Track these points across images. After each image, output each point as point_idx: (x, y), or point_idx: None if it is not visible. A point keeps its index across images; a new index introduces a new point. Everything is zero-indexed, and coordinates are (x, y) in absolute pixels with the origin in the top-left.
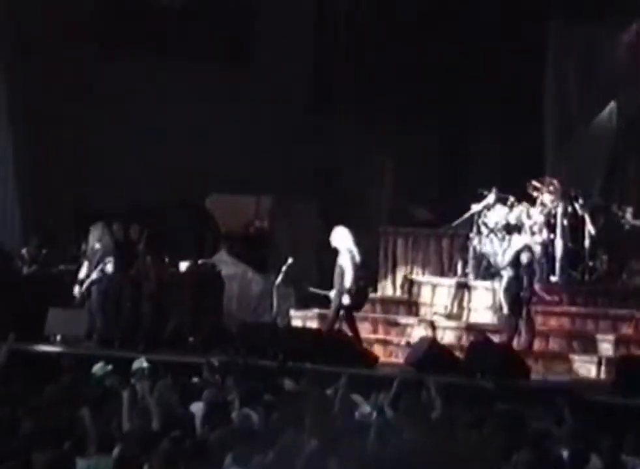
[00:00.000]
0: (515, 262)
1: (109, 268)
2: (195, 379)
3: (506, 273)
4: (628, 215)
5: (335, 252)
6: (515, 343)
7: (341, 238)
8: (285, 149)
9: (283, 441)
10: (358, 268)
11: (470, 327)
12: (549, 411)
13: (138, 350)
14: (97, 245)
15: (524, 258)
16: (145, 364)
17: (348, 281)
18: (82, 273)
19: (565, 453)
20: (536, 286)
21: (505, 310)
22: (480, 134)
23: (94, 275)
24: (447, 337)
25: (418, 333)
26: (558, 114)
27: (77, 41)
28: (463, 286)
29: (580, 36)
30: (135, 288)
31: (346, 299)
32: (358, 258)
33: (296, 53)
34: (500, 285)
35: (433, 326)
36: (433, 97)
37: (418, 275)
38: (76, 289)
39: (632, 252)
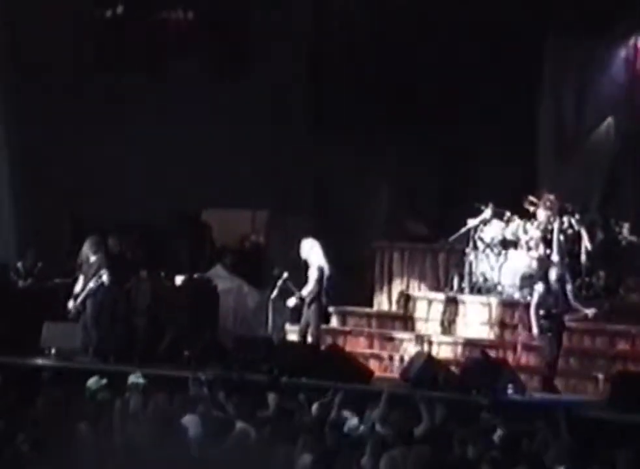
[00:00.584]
0: (545, 278)
1: (105, 281)
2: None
3: (537, 290)
4: (625, 231)
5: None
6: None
7: (310, 250)
8: (282, 164)
9: (277, 457)
10: (325, 280)
11: (467, 343)
12: (545, 427)
13: (133, 364)
14: (92, 258)
15: (553, 274)
16: (141, 379)
17: (306, 292)
18: (77, 287)
19: None
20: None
21: (534, 328)
22: (477, 150)
23: (89, 289)
24: (442, 352)
25: (413, 348)
26: (554, 131)
27: (74, 52)
28: (458, 301)
29: (576, 52)
30: (130, 302)
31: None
32: (327, 270)
33: (294, 69)
34: (531, 302)
35: (428, 341)
36: (431, 114)
37: (413, 290)
38: (71, 302)
39: (629, 268)
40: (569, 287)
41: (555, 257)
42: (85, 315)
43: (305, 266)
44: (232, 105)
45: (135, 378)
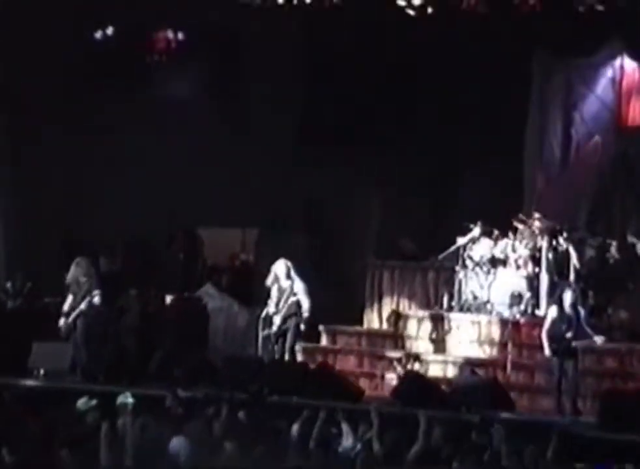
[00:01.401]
0: (559, 301)
1: (95, 301)
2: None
3: (550, 314)
4: (613, 249)
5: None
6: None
7: (281, 271)
8: (272, 182)
9: None
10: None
11: (457, 361)
12: (534, 445)
13: (123, 384)
14: (82, 280)
15: (568, 298)
16: (130, 399)
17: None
18: (66, 306)
19: None
20: (521, 320)
21: (547, 351)
22: (466, 169)
23: (79, 310)
24: (432, 370)
25: (404, 366)
26: (542, 150)
27: (64, 73)
28: (448, 320)
29: (564, 72)
30: (119, 322)
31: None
32: (297, 291)
33: (284, 88)
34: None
35: (419, 359)
36: (420, 133)
37: (404, 308)
38: (62, 321)
39: (617, 286)
40: (582, 313)
41: (544, 275)
42: (75, 335)
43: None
44: (222, 124)
45: (124, 398)
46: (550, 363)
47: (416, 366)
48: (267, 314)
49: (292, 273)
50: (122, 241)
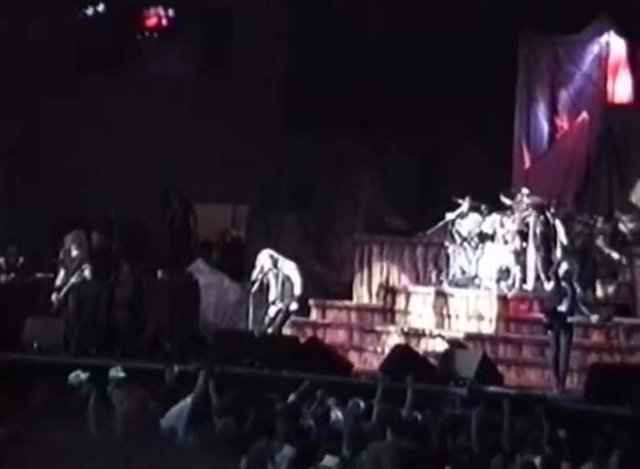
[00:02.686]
0: (555, 275)
1: (87, 275)
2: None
3: (547, 288)
4: (599, 224)
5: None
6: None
7: (267, 263)
8: (261, 159)
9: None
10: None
11: (446, 335)
12: (522, 418)
13: (115, 358)
14: (74, 253)
15: (562, 271)
16: (121, 374)
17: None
18: (59, 280)
19: (537, 460)
20: (509, 295)
21: (545, 323)
22: (455, 146)
23: (71, 283)
24: (422, 344)
25: (392, 340)
26: (529, 126)
27: (58, 51)
28: (437, 294)
29: (551, 49)
30: (111, 297)
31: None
32: (289, 275)
33: (273, 66)
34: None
35: (408, 333)
36: (410, 111)
37: (392, 283)
38: (54, 296)
39: (602, 261)
40: (579, 289)
41: (531, 250)
42: (67, 309)
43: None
44: (212, 102)
45: (115, 372)
46: (538, 337)
47: (405, 340)
48: (268, 301)
49: (280, 260)
50: (115, 217)
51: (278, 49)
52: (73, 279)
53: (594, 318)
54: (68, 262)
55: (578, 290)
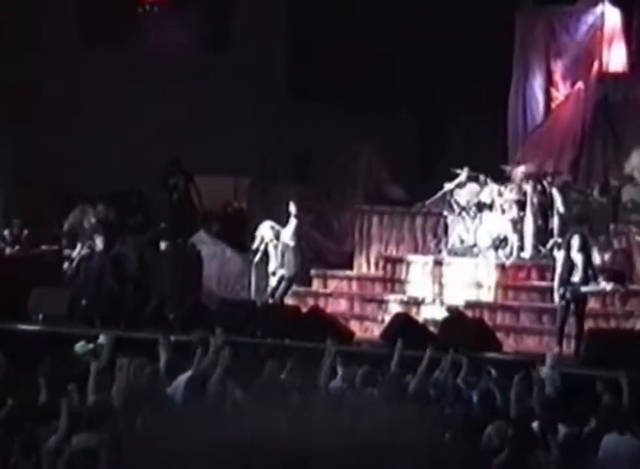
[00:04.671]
0: (567, 246)
1: (98, 245)
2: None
3: (558, 259)
4: (595, 193)
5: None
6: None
7: (267, 234)
8: (263, 131)
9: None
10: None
11: (447, 304)
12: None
13: (119, 328)
14: (86, 225)
15: (575, 243)
16: (89, 346)
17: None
18: (75, 252)
19: (535, 424)
20: (507, 263)
21: (555, 295)
22: (453, 116)
23: (81, 254)
24: (422, 312)
25: (393, 309)
26: (525, 96)
27: (58, 26)
28: (435, 263)
29: (545, 19)
30: (116, 268)
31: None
32: (289, 245)
33: (274, 39)
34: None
35: (407, 302)
36: (408, 81)
37: (392, 253)
38: (66, 265)
39: (599, 229)
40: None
41: (529, 219)
42: (77, 280)
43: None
44: (214, 74)
45: (103, 339)
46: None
47: (405, 308)
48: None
49: (281, 231)
50: (117, 189)
51: (278, 22)
52: (84, 251)
53: (609, 286)
54: (80, 233)
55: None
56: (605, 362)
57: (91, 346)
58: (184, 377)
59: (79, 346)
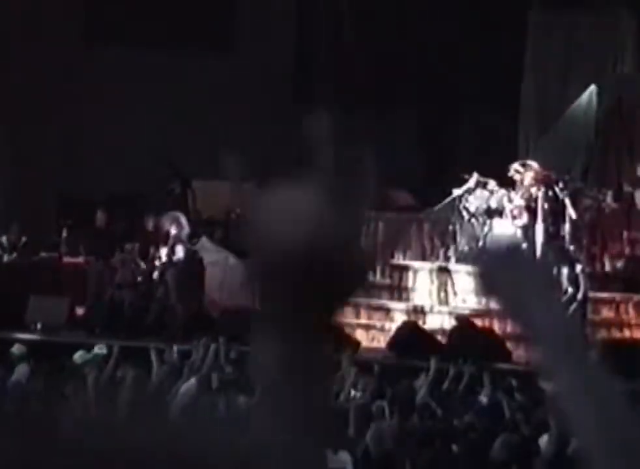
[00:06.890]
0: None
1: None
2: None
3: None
4: (608, 199)
5: None
6: None
7: None
8: (266, 135)
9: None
10: None
11: (455, 312)
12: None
13: (119, 337)
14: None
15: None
16: (104, 350)
17: None
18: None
19: (545, 437)
20: None
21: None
22: (462, 120)
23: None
24: (430, 321)
25: (400, 317)
26: (538, 101)
27: (59, 25)
28: (444, 271)
29: (560, 24)
30: (116, 276)
31: None
32: None
33: (277, 39)
34: None
35: (416, 310)
36: (414, 85)
37: (399, 260)
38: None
39: (612, 236)
40: (579, 267)
41: (540, 225)
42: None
43: None
44: (216, 76)
45: (98, 350)
46: None
47: (413, 317)
48: None
49: None
50: (117, 195)
51: (283, 21)
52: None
53: None
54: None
55: (579, 268)
56: (618, 372)
57: (91, 355)
58: (185, 385)
59: (79, 356)
